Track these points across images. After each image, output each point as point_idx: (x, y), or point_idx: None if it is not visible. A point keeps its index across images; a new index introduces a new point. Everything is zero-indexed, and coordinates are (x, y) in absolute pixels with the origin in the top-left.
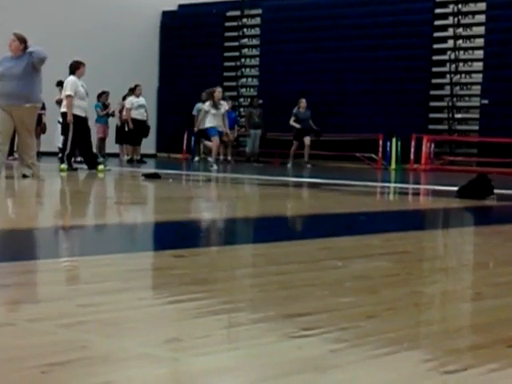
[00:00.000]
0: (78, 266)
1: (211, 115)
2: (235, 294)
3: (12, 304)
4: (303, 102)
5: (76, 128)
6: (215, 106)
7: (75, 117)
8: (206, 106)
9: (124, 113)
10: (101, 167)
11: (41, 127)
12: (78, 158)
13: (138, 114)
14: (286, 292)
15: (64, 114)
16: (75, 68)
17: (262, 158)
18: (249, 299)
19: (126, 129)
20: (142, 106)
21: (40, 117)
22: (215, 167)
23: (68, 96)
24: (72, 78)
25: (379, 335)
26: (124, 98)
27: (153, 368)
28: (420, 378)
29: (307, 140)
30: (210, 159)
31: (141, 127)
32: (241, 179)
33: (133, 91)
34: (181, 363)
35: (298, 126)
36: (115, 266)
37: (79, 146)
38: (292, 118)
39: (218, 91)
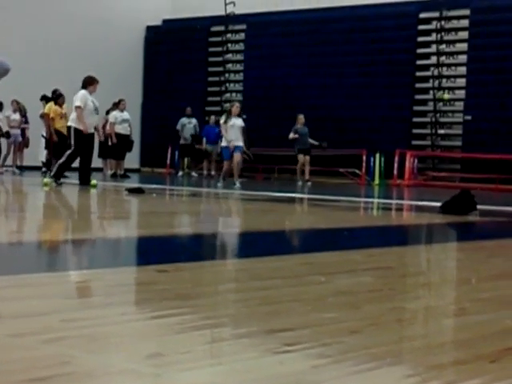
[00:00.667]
0: (61, 281)
1: (229, 128)
2: (218, 310)
3: None
4: (301, 118)
5: (79, 142)
6: (228, 118)
7: (80, 132)
8: (222, 119)
9: (108, 127)
10: (94, 182)
11: (24, 141)
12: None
13: (121, 129)
14: (268, 307)
15: (69, 128)
16: (88, 83)
17: (246, 172)
18: (231, 314)
19: (110, 143)
20: (126, 121)
21: (23, 131)
22: (238, 185)
23: (77, 107)
24: (83, 91)
25: (362, 351)
26: (107, 113)
27: (135, 383)
28: None
29: (305, 158)
30: (236, 181)
31: (124, 142)
32: (225, 194)
33: (117, 106)
34: (163, 379)
35: (296, 136)
36: (98, 281)
37: (80, 160)
38: (291, 135)
39: (236, 106)
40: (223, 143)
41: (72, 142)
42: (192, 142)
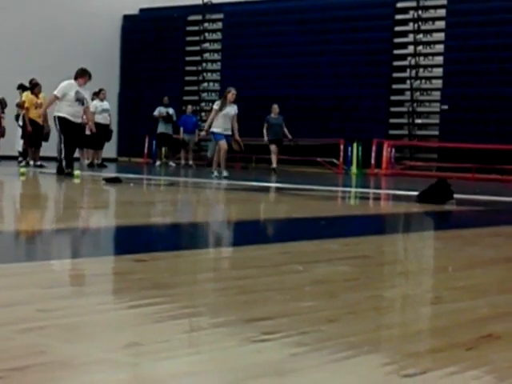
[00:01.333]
0: (37, 271)
1: (221, 116)
2: (196, 299)
3: None
4: (275, 108)
5: (65, 129)
6: (224, 106)
7: (62, 119)
8: (216, 104)
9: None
10: (77, 172)
11: (0, 131)
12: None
13: (101, 118)
14: (246, 296)
15: (55, 118)
16: (78, 75)
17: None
18: (209, 304)
19: (88, 132)
20: (106, 111)
21: None
22: (225, 174)
23: (54, 95)
24: (68, 81)
25: (339, 339)
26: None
27: (113, 373)
28: (380, 381)
29: (273, 148)
30: (216, 170)
31: (104, 131)
32: (202, 184)
33: (97, 95)
34: (141, 368)
35: (265, 138)
36: (75, 271)
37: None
38: (265, 125)
39: (232, 93)
40: (215, 129)
41: (60, 130)
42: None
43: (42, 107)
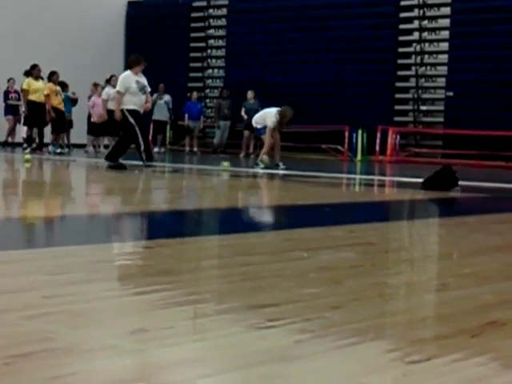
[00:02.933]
0: (43, 257)
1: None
2: (201, 285)
3: None
4: (249, 93)
5: (137, 122)
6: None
7: (130, 111)
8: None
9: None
10: (27, 156)
11: (16, 118)
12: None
13: (113, 105)
14: (251, 283)
15: (124, 112)
16: (134, 63)
17: (228, 149)
18: (214, 290)
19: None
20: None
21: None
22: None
23: (117, 92)
24: (125, 73)
25: (344, 326)
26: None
27: (118, 359)
28: (384, 367)
29: (251, 134)
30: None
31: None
32: (208, 170)
33: (108, 82)
34: (146, 354)
35: (244, 116)
36: (81, 257)
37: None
38: (242, 109)
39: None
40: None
41: (134, 123)
42: (170, 119)
43: (116, 108)
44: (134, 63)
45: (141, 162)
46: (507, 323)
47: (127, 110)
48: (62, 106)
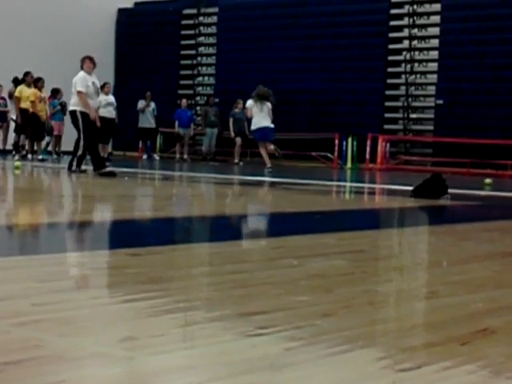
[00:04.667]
0: (32, 265)
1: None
2: (190, 293)
3: None
4: (240, 103)
5: (86, 126)
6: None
7: (83, 113)
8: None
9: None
10: (17, 163)
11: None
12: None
13: (106, 112)
14: (241, 291)
15: (72, 112)
16: (82, 63)
17: (219, 156)
18: (204, 298)
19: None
20: (111, 104)
21: None
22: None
23: (78, 92)
24: (80, 73)
25: (334, 333)
26: None
27: (107, 367)
28: (375, 375)
29: (239, 140)
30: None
31: (109, 125)
32: (197, 178)
33: (102, 89)
34: (136, 362)
35: (231, 132)
36: (70, 265)
37: (90, 144)
38: (230, 120)
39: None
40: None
41: (80, 125)
42: (156, 126)
43: (87, 109)
44: (82, 62)
45: (73, 167)
46: (497, 331)
47: (80, 113)
48: (43, 114)
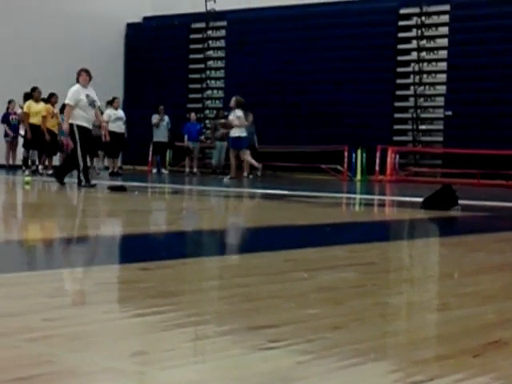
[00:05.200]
0: (42, 280)
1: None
2: (201, 307)
3: None
4: (250, 117)
5: (82, 139)
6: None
7: (79, 127)
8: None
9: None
10: (27, 178)
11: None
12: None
13: (115, 127)
14: (252, 304)
15: (72, 127)
16: (77, 75)
17: (228, 169)
18: (215, 312)
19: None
20: (120, 119)
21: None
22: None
23: (67, 104)
24: (74, 86)
25: (346, 346)
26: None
27: (119, 382)
28: None
29: (247, 153)
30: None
31: (118, 140)
32: (207, 191)
33: (111, 104)
34: (147, 377)
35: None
36: (80, 280)
37: (74, 155)
38: None
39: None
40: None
41: (78, 139)
42: (169, 140)
43: (65, 120)
44: (78, 74)
45: (83, 183)
46: (509, 342)
47: (77, 126)
48: (55, 129)
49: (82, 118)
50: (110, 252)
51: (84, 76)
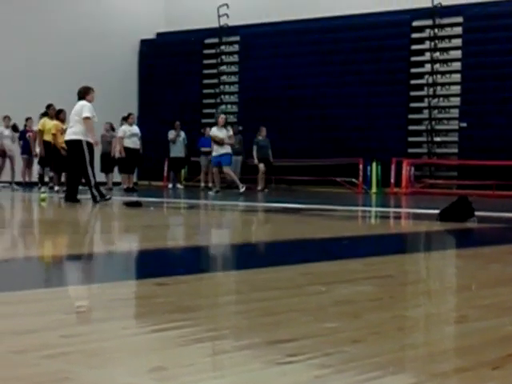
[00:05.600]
0: (60, 297)
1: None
2: (219, 322)
3: None
4: (263, 131)
5: (90, 156)
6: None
7: (89, 144)
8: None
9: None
10: (43, 195)
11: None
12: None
13: (130, 143)
14: (269, 318)
15: (68, 142)
16: (84, 93)
17: (243, 183)
18: (233, 326)
19: (117, 156)
20: (135, 135)
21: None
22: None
23: (86, 118)
24: (83, 102)
25: (364, 360)
26: (113, 128)
27: None
28: None
29: (262, 167)
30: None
31: (133, 156)
32: (222, 206)
33: (126, 120)
34: None
35: (255, 159)
36: (98, 296)
37: (76, 171)
38: (254, 148)
39: (222, 117)
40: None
41: (87, 156)
42: (186, 156)
43: (91, 135)
44: (85, 93)
45: (98, 198)
46: None
47: (86, 143)
48: (64, 145)
49: (86, 135)
50: (126, 267)
51: (93, 94)
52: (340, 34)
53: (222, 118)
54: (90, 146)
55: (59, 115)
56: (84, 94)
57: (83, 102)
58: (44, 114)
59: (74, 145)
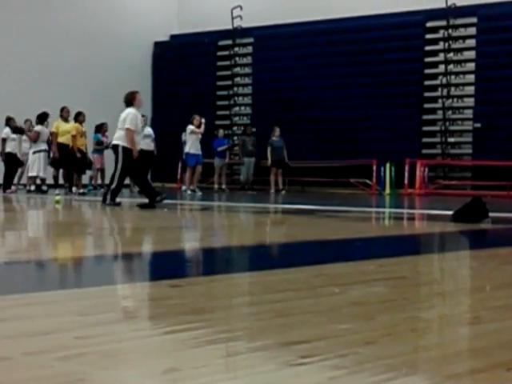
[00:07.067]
0: (73, 298)
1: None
2: (232, 323)
3: (8, 337)
4: (277, 131)
5: (127, 161)
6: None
7: (125, 149)
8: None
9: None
10: (58, 198)
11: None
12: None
13: (143, 145)
14: (283, 320)
15: (117, 147)
16: (131, 99)
17: (256, 185)
18: (246, 328)
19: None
20: (149, 136)
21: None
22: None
23: (127, 129)
24: (132, 110)
25: (378, 361)
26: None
27: None
28: None
29: (278, 170)
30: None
31: (147, 157)
32: (236, 207)
33: None
34: None
35: (269, 160)
36: (112, 297)
37: (138, 179)
38: (268, 148)
39: (196, 119)
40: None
41: (123, 161)
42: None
43: (131, 145)
44: (132, 99)
45: (108, 201)
46: None
47: (123, 148)
48: (84, 148)
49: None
50: (140, 269)
51: (140, 98)
52: (353, 36)
53: (196, 119)
54: (126, 151)
55: (78, 117)
56: (131, 100)
57: (129, 110)
58: (41, 118)
59: (115, 149)
